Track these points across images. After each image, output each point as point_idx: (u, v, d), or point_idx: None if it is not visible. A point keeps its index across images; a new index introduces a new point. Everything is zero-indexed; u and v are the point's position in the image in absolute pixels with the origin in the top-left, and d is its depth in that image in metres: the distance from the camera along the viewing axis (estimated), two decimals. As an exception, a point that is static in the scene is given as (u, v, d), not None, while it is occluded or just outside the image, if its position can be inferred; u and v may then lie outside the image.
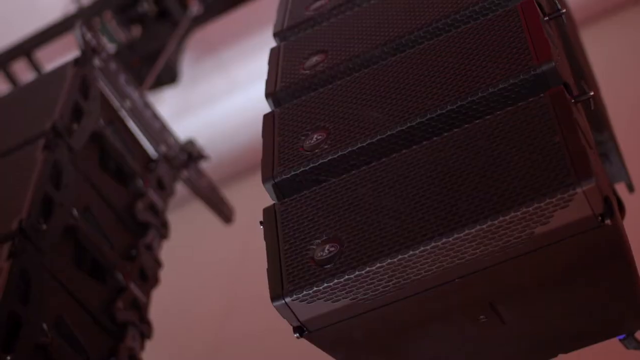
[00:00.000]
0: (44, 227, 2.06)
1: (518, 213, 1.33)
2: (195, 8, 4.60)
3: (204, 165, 3.16)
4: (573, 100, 1.45)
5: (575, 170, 1.31)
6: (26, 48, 4.67)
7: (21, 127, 2.31)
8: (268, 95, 1.75)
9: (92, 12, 4.74)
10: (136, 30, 4.94)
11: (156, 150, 2.74)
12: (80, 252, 2.24)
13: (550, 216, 1.33)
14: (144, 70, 4.68)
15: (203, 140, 3.88)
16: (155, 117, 2.78)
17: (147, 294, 2.38)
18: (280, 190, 1.58)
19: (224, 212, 3.10)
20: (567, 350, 1.66)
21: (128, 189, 2.52)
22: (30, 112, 2.35)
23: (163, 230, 2.56)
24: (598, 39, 4.42)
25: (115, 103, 2.65)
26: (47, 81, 2.44)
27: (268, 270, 1.47)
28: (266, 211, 1.55)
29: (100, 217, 2.34)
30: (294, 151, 1.60)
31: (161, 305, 4.78)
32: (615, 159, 2.26)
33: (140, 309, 2.30)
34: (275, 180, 1.58)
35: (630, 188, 2.35)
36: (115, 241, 2.38)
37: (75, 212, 2.21)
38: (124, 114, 2.67)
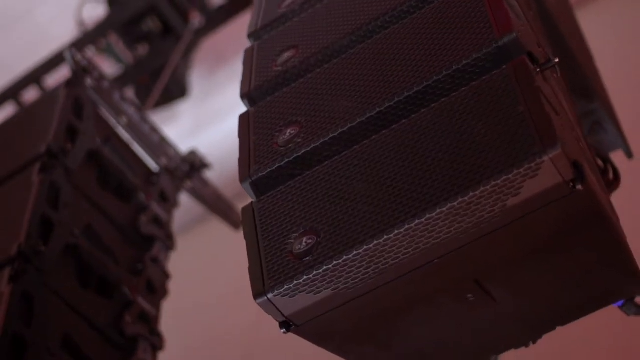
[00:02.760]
0: (44, 248, 2.08)
1: (487, 187, 1.32)
2: (196, 20, 4.63)
3: (222, 178, 3.17)
4: (538, 69, 1.44)
5: (541, 138, 1.30)
6: (36, 76, 4.72)
7: (18, 152, 2.33)
8: (243, 96, 1.75)
9: (97, 34, 4.78)
10: (144, 49, 4.97)
11: (157, 163, 2.75)
12: (84, 270, 2.26)
13: (521, 187, 1.32)
14: (153, 87, 4.72)
15: (223, 152, 3.88)
16: (154, 130, 2.79)
17: (157, 306, 2.39)
18: (258, 188, 1.58)
19: (232, 219, 3.11)
20: (564, 322, 1.65)
21: (130, 204, 2.54)
22: (25, 137, 2.37)
23: (169, 242, 2.58)
24: (604, 14, 4.41)
25: (112, 120, 2.66)
26: (41, 105, 2.46)
27: (249, 268, 1.48)
28: (244, 210, 1.55)
29: (104, 234, 2.36)
30: (269, 148, 1.60)
31: (193, 318, 4.81)
32: (610, 128, 2.24)
33: (149, 322, 2.31)
34: (252, 179, 1.58)
35: (629, 155, 2.32)
36: (120, 256, 2.39)
37: (76, 230, 2.22)
38: (121, 130, 2.69)
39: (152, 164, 2.76)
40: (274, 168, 1.57)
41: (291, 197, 1.50)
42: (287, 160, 1.56)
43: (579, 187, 1.31)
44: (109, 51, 4.93)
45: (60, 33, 5.42)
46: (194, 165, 2.88)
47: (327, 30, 1.73)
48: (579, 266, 1.49)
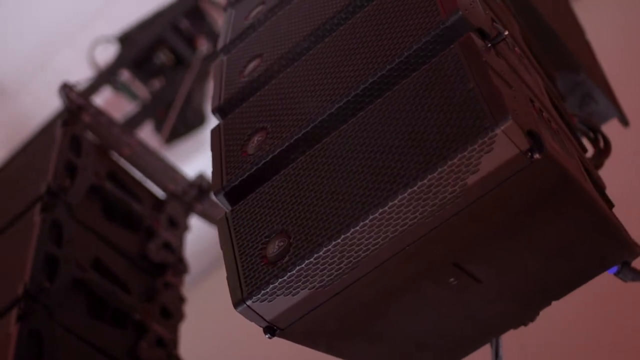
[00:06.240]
0: (50, 285, 2.10)
1: (445, 167, 1.31)
2: (204, 47, 4.67)
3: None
4: (489, 45, 1.43)
5: (491, 112, 1.29)
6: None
7: (19, 196, 2.37)
8: (213, 110, 1.77)
9: (110, 74, 4.84)
10: (160, 83, 5.03)
11: (164, 190, 2.77)
12: (97, 303, 2.28)
13: (478, 163, 1.30)
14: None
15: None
16: (158, 158, 2.82)
17: (173, 330, 2.40)
18: (233, 199, 1.59)
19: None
20: (558, 296, 1.63)
21: (139, 233, 2.56)
22: (25, 179, 2.41)
23: (181, 266, 2.59)
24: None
25: (114, 153, 2.70)
26: (38, 146, 2.50)
27: (227, 278, 1.48)
28: (220, 221, 1.56)
29: (113, 266, 2.38)
30: (239, 158, 1.61)
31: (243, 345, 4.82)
32: (600, 98, 2.20)
33: (166, 347, 2.33)
34: (226, 190, 1.59)
35: (625, 122, 2.29)
36: (132, 286, 2.41)
37: (83, 265, 2.25)
38: (124, 162, 2.72)
39: (160, 192, 2.78)
40: (244, 177, 1.58)
41: (261, 202, 1.51)
42: (256, 167, 1.57)
43: (537, 155, 1.30)
44: (124, 89, 4.99)
45: (80, 77, 5.50)
46: (202, 188, 2.89)
47: (287, 35, 1.74)
48: (558, 237, 1.47)
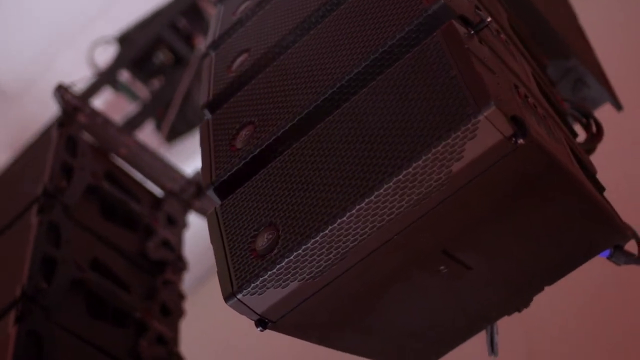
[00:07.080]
0: (48, 286, 2.11)
1: (429, 155, 1.31)
2: (202, 45, 4.67)
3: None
4: (472, 32, 1.43)
5: (474, 98, 1.29)
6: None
7: (17, 198, 2.38)
8: (203, 106, 1.77)
9: (110, 75, 4.84)
10: (160, 82, 5.02)
11: (162, 188, 2.78)
12: (96, 303, 2.29)
13: (462, 150, 1.30)
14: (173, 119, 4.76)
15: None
16: (156, 157, 2.82)
17: (174, 327, 2.41)
18: (222, 193, 1.60)
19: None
20: (551, 281, 1.63)
21: (137, 232, 2.57)
22: (23, 181, 2.42)
23: (180, 263, 2.60)
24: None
25: (111, 153, 2.70)
26: (35, 148, 2.51)
27: (218, 273, 1.48)
28: (209, 216, 1.57)
29: (112, 265, 2.39)
30: (227, 152, 1.61)
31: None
32: (592, 83, 2.20)
33: (166, 344, 2.33)
34: (215, 185, 1.59)
35: (618, 107, 2.28)
36: (132, 285, 2.42)
37: (82, 265, 2.26)
38: (122, 162, 2.72)
39: (158, 191, 2.79)
40: (233, 171, 1.58)
41: (249, 196, 1.51)
42: (244, 161, 1.57)
43: (521, 141, 1.29)
44: (124, 90, 4.99)
45: (81, 79, 5.50)
46: (200, 185, 2.90)
47: (274, 29, 1.74)
48: (546, 223, 1.47)
